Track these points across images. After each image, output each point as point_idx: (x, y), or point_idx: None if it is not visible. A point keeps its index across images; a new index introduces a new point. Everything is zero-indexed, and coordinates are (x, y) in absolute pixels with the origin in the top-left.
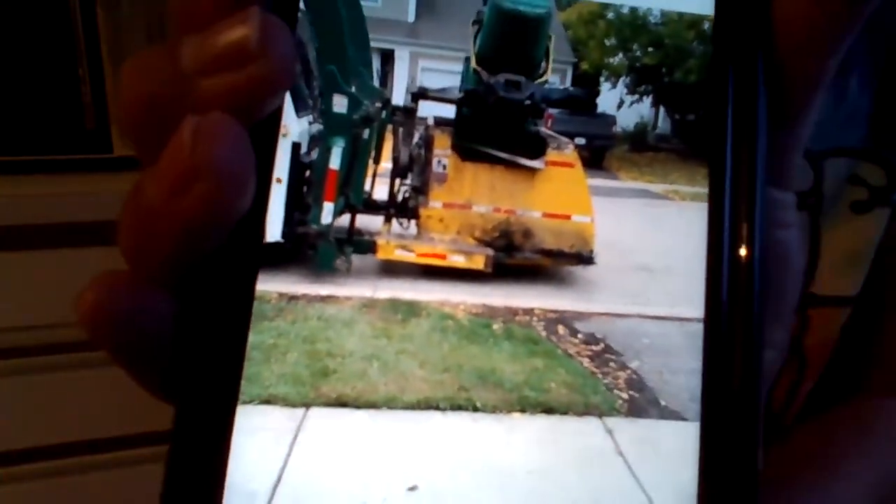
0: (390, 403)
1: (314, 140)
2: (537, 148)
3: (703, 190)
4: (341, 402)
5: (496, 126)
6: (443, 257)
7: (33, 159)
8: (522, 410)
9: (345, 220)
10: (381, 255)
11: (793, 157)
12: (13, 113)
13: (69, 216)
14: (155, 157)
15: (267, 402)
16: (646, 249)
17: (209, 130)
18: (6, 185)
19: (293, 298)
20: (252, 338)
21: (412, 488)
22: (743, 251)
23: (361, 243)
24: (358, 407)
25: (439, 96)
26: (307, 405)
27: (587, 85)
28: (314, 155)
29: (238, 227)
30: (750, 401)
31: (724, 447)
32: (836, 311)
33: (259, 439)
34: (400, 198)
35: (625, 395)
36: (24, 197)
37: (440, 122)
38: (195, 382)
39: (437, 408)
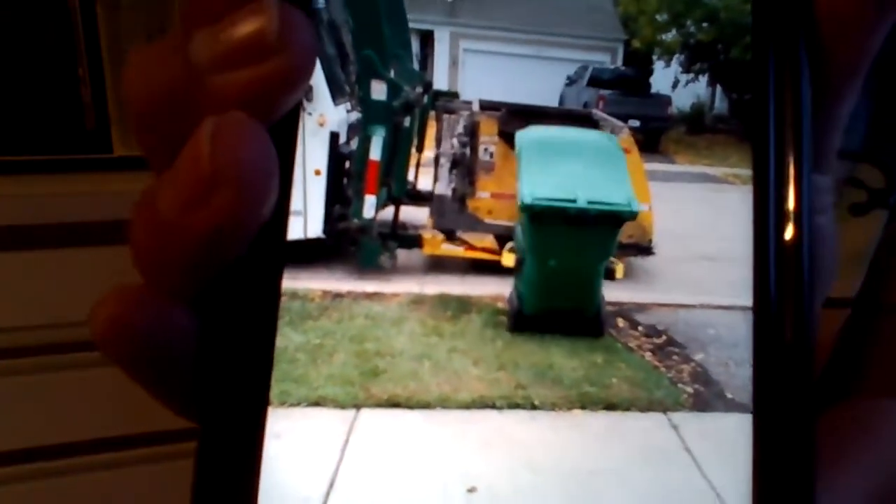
0: (444, 403)
1: (353, 129)
2: None
3: None
4: (393, 403)
5: None
6: (492, 251)
7: (33, 159)
8: (583, 407)
9: (388, 213)
10: (428, 249)
11: (832, 140)
12: (13, 113)
13: (69, 216)
14: (165, 161)
15: (316, 404)
16: (707, 237)
17: (229, 133)
18: (6, 185)
19: (338, 296)
20: (297, 338)
21: (471, 490)
22: (790, 233)
23: (406, 238)
24: (410, 407)
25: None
26: (358, 406)
27: (639, 64)
28: (353, 145)
29: (260, 232)
30: (804, 390)
31: (778, 436)
32: (834, 313)
33: (310, 442)
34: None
35: (689, 389)
36: (24, 197)
37: (486, 106)
38: (222, 397)
39: (493, 406)
